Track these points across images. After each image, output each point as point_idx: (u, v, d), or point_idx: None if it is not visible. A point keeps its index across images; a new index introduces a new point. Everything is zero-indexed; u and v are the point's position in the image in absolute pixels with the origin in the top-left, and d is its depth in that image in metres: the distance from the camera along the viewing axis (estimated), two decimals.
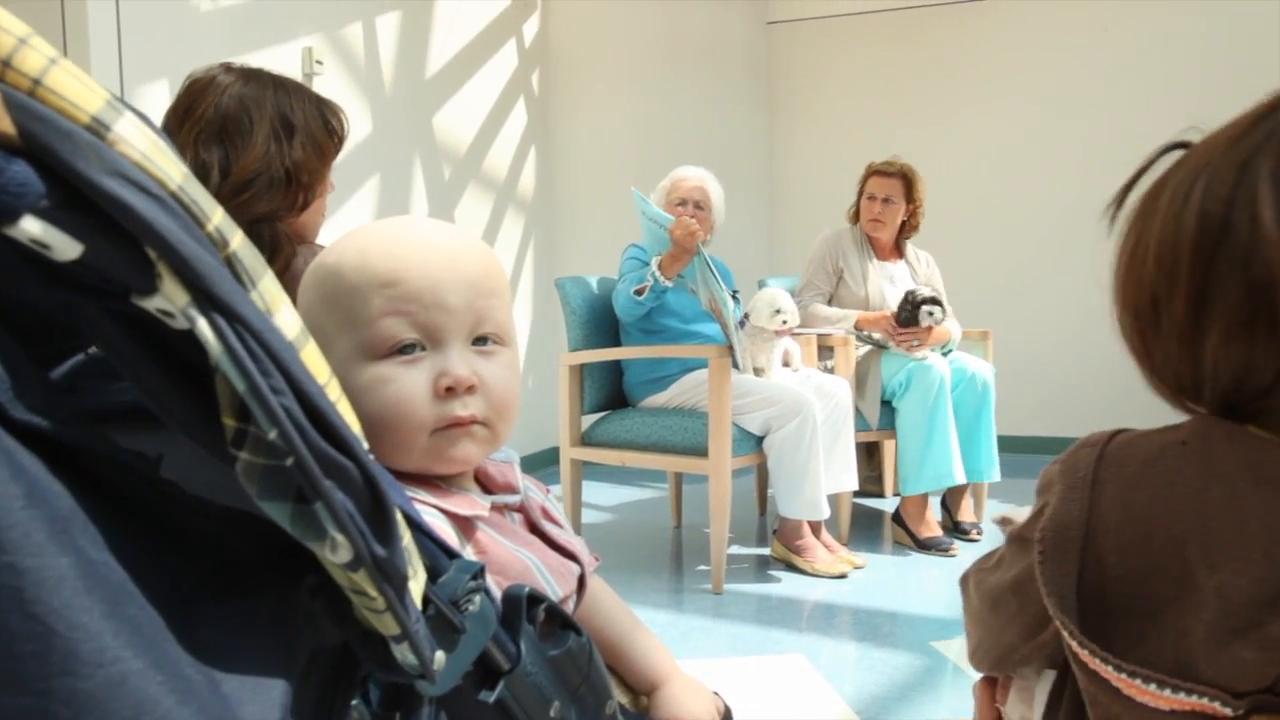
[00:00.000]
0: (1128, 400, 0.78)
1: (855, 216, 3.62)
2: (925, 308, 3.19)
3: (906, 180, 3.48)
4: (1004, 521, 0.89)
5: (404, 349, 0.69)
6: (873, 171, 3.54)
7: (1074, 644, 0.63)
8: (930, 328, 3.23)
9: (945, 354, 3.39)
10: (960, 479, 3.19)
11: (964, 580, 0.84)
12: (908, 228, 3.58)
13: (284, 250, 1.44)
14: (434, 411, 0.69)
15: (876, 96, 5.35)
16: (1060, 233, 4.94)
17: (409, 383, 0.69)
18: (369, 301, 0.69)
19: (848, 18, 5.41)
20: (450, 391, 0.70)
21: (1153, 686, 0.59)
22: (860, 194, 3.58)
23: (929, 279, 3.60)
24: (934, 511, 3.30)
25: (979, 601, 0.78)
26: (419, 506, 0.68)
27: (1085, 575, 0.63)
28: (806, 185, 5.51)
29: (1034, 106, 5.06)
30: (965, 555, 3.15)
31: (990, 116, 5.14)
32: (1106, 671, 0.61)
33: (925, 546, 3.18)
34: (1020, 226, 5.07)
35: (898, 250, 3.63)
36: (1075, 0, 4.98)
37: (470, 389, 0.71)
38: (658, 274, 2.86)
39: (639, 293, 2.87)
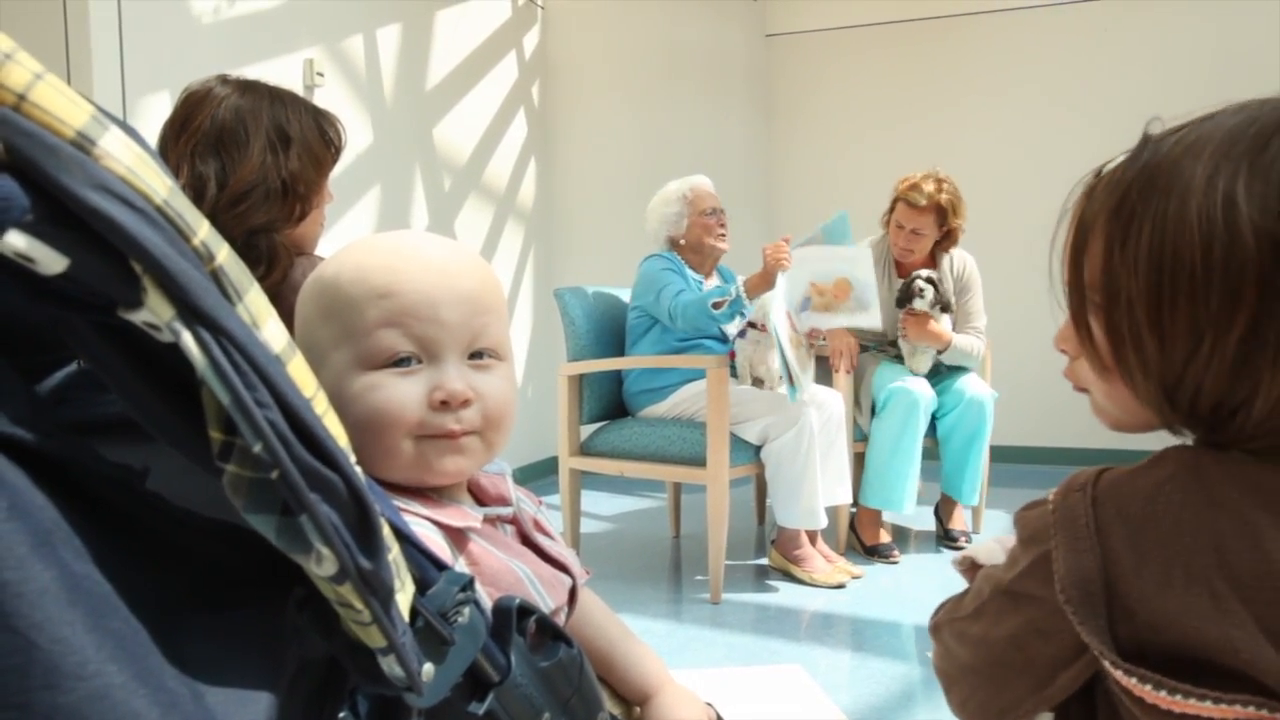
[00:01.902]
0: None
1: (888, 223, 3.39)
2: (917, 284, 3.16)
3: (939, 211, 3.20)
4: (964, 561, 0.84)
5: (400, 361, 0.69)
6: (901, 198, 3.24)
7: (1160, 693, 0.59)
8: (916, 313, 3.19)
9: (950, 367, 3.38)
10: (906, 510, 3.20)
11: (936, 629, 0.80)
12: (945, 243, 3.34)
13: (281, 261, 1.44)
14: (422, 419, 0.70)
15: (876, 108, 5.36)
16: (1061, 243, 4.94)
17: (399, 390, 0.69)
18: (365, 313, 0.69)
19: (847, 30, 5.43)
20: (444, 405, 0.70)
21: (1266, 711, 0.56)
22: (891, 209, 3.34)
23: (959, 289, 3.40)
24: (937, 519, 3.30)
25: (966, 655, 0.74)
26: (411, 518, 0.68)
27: (1115, 628, 0.61)
28: (806, 197, 5.51)
29: (1035, 115, 5.07)
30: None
31: (990, 127, 5.15)
32: (1204, 708, 0.57)
33: (870, 552, 3.21)
34: (1021, 237, 5.06)
35: (931, 261, 3.39)
36: (1073, 8, 5.00)
37: (465, 403, 0.71)
38: (742, 292, 2.83)
39: (717, 306, 2.84)
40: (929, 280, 3.17)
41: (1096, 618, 0.61)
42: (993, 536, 0.83)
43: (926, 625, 0.81)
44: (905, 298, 3.21)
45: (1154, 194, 0.61)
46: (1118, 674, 0.60)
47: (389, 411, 0.69)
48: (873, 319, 3.00)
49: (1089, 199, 0.67)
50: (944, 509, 3.44)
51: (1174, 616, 0.58)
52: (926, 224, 3.21)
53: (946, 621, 0.77)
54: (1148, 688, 0.59)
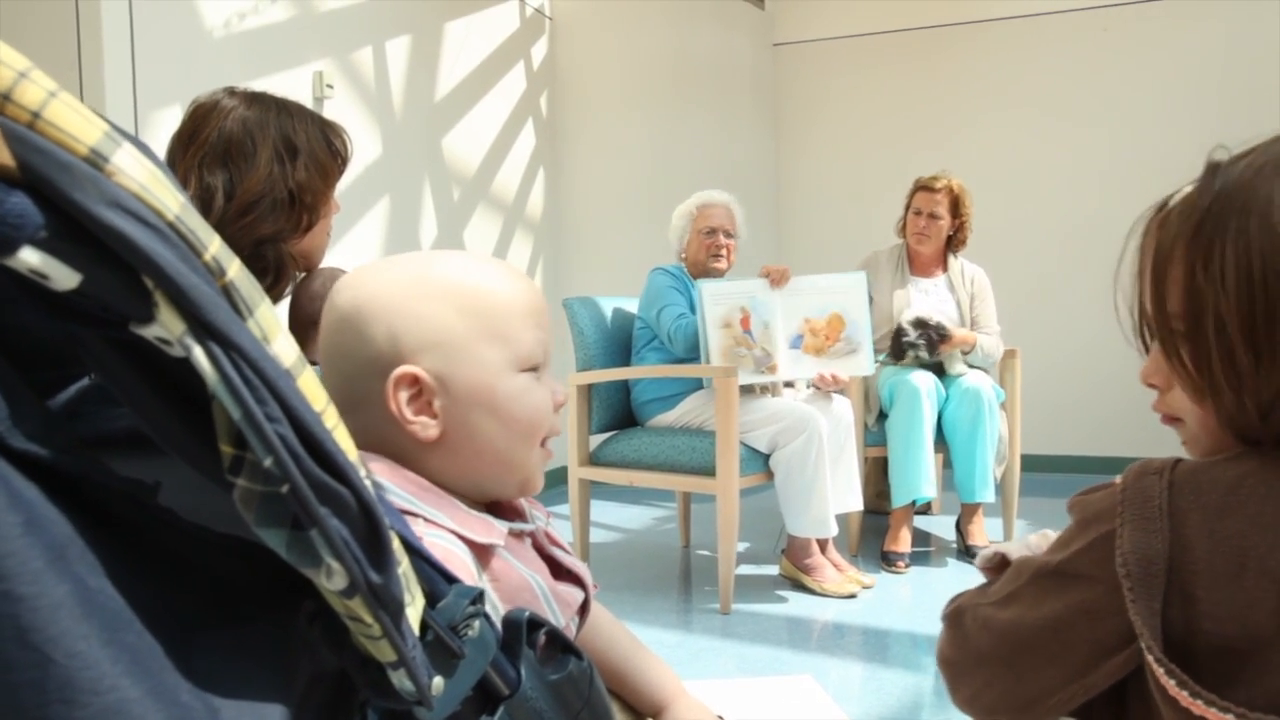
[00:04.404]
0: (1152, 417, 0.77)
1: (904, 230, 3.64)
2: (932, 334, 3.27)
3: (953, 196, 3.49)
4: (991, 559, 0.83)
5: (534, 367, 0.79)
6: (919, 187, 3.55)
7: (1183, 692, 0.59)
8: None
9: (969, 366, 3.42)
10: (929, 494, 3.22)
11: (956, 615, 0.78)
12: (955, 241, 3.58)
13: (289, 272, 1.45)
14: (551, 420, 0.80)
15: (882, 116, 5.37)
16: (1077, 249, 4.93)
17: (542, 394, 0.79)
18: (523, 322, 0.77)
19: (854, 39, 5.44)
20: (558, 406, 0.81)
21: None
22: (907, 208, 3.59)
23: (972, 293, 3.57)
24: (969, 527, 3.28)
25: (988, 643, 0.72)
26: (436, 531, 0.69)
27: (1169, 613, 0.61)
28: (814, 204, 5.52)
29: (1044, 122, 5.07)
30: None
31: (997, 134, 5.15)
32: (1214, 715, 0.58)
33: (883, 558, 3.24)
34: (1035, 243, 5.06)
35: (943, 264, 3.62)
36: (1079, 15, 5.00)
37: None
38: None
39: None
40: (918, 324, 3.29)
41: (1151, 600, 0.61)
42: (1018, 540, 0.83)
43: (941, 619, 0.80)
44: (900, 350, 3.31)
45: (1231, 214, 0.62)
46: (1151, 661, 0.61)
47: (542, 412, 0.78)
48: (862, 365, 3.05)
49: (1162, 229, 0.68)
50: (964, 521, 3.43)
51: (1238, 608, 0.59)
52: (942, 207, 3.48)
53: (970, 606, 0.76)
54: (1172, 682, 0.59)
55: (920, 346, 3.26)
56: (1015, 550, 0.80)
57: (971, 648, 0.74)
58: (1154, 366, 0.71)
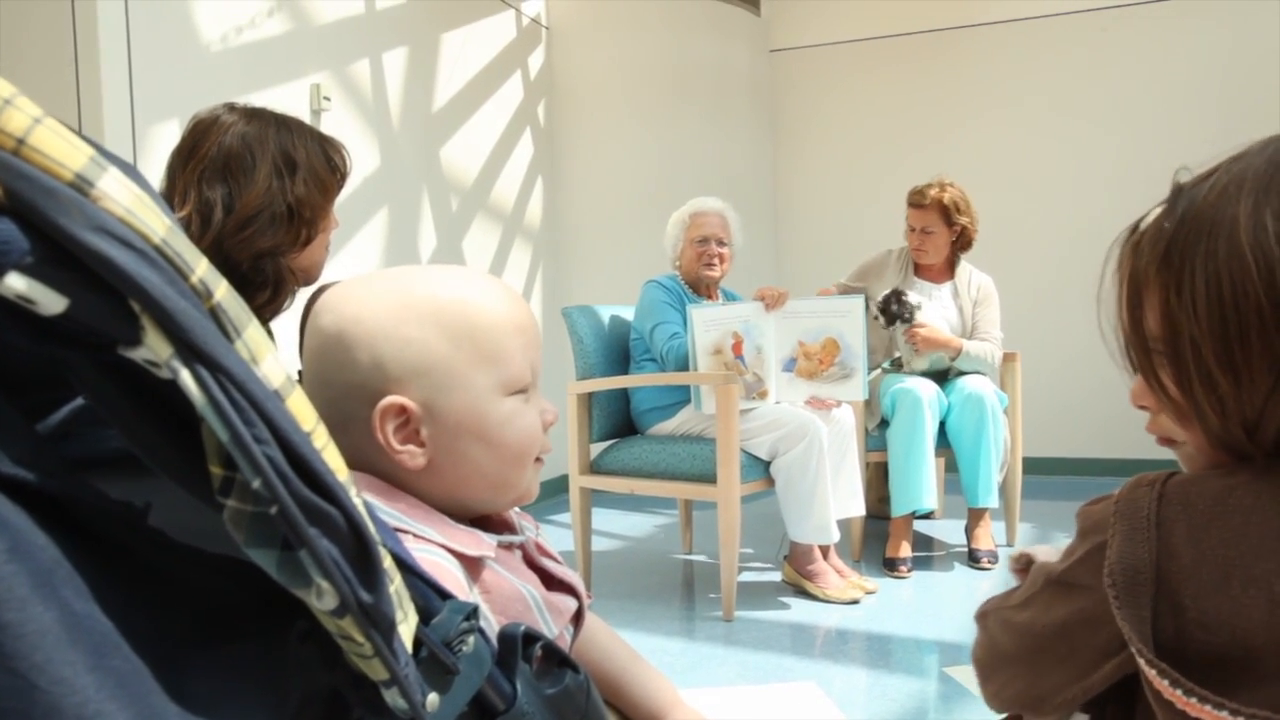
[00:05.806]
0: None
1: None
2: (894, 307, 3.31)
3: (941, 208, 3.43)
4: (1019, 559, 0.88)
5: (522, 389, 0.77)
6: (909, 202, 3.51)
7: (1176, 692, 0.60)
8: (913, 329, 3.30)
9: (961, 373, 3.41)
10: (929, 505, 3.22)
11: (982, 617, 0.82)
12: (959, 245, 3.54)
13: (287, 285, 1.45)
14: (541, 441, 0.79)
15: (880, 121, 5.37)
16: (1077, 252, 4.92)
17: (532, 416, 0.78)
18: (508, 341, 0.75)
19: (849, 44, 5.45)
20: (548, 426, 0.80)
21: None
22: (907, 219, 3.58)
23: (976, 299, 3.55)
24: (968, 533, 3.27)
25: (1010, 643, 0.76)
26: (426, 545, 0.69)
27: (1160, 621, 0.61)
28: (812, 210, 5.52)
29: (1043, 125, 5.07)
30: (967, 581, 3.13)
31: (996, 137, 5.15)
32: (1220, 717, 0.58)
33: (885, 564, 3.24)
34: (1036, 246, 5.06)
35: (950, 272, 3.60)
36: (1076, 17, 5.00)
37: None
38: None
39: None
40: (895, 296, 3.32)
41: (1139, 608, 0.62)
42: (1050, 545, 0.86)
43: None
44: (889, 318, 3.34)
45: (1200, 237, 0.63)
46: (1143, 664, 0.61)
47: (532, 436, 0.77)
48: (855, 390, 3.05)
49: (1136, 254, 0.68)
50: (970, 525, 3.41)
51: (1226, 617, 0.59)
52: (933, 222, 3.46)
53: (994, 610, 0.80)
54: (1165, 683, 0.60)
55: (885, 308, 3.29)
56: (1041, 553, 0.83)
57: (995, 648, 0.78)
58: (1141, 389, 0.72)
